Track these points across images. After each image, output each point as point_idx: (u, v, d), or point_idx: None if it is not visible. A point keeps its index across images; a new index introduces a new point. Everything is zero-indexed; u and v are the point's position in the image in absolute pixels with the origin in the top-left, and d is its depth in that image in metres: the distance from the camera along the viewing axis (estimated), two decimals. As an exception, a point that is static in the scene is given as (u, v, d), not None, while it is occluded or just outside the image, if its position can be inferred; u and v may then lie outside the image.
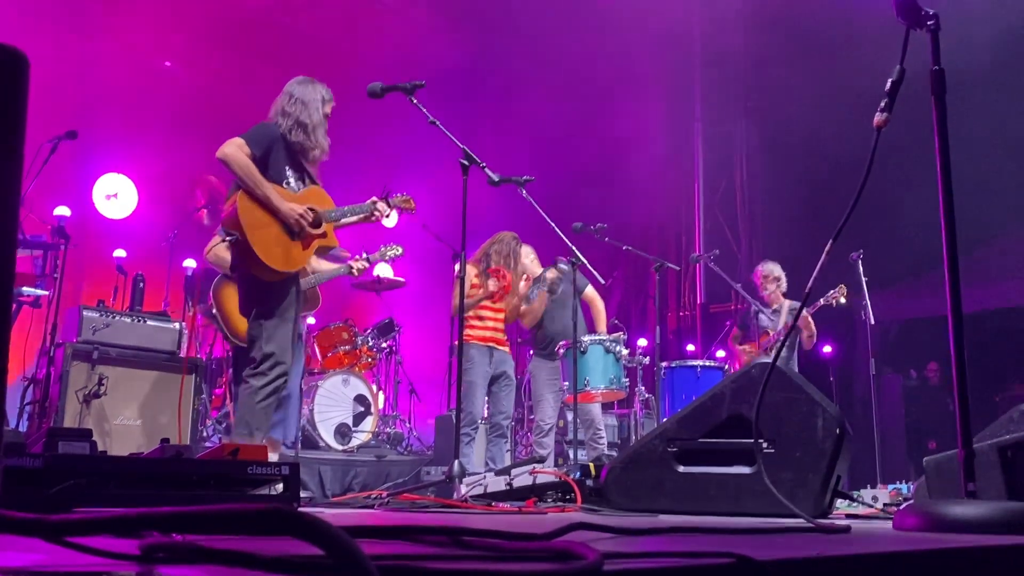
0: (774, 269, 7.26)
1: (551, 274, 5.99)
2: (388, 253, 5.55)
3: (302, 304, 4.40)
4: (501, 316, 6.12)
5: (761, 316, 7.20)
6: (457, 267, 5.35)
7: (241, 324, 5.18)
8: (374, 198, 4.55)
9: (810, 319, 6.81)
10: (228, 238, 3.93)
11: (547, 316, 6.42)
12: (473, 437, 5.93)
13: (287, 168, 4.10)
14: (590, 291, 6.57)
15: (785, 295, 7.22)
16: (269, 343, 3.93)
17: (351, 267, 5.35)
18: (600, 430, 6.34)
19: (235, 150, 3.87)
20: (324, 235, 4.14)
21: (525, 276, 6.18)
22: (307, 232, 4.02)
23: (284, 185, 4.07)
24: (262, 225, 3.90)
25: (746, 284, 7.52)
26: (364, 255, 5.47)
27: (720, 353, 7.98)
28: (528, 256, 6.41)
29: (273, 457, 4.94)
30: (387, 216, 4.62)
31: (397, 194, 4.76)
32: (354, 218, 4.45)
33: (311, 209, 4.05)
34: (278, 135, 4.07)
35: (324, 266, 5.34)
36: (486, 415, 6.37)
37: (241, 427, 3.92)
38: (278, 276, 3.96)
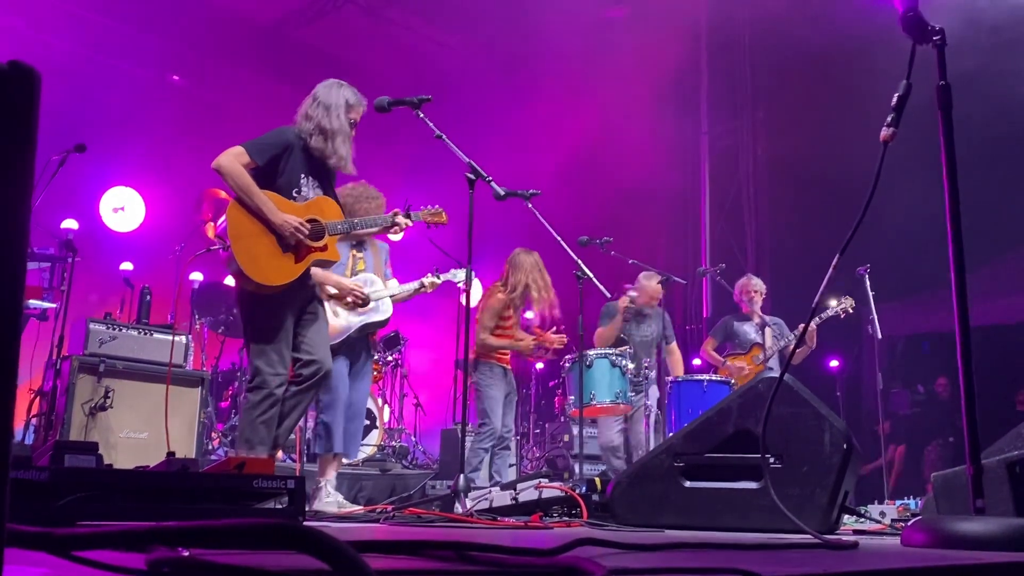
0: (759, 284, 7.31)
1: (623, 302, 6.54)
2: (459, 276, 5.47)
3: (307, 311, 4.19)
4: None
5: (743, 329, 7.21)
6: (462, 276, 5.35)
7: None
8: (396, 210, 4.49)
9: (814, 332, 6.82)
10: (216, 246, 3.89)
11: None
12: (488, 450, 5.87)
13: (303, 175, 3.98)
14: (673, 346, 7.05)
15: (762, 309, 7.26)
16: (259, 357, 3.86)
17: (423, 284, 5.30)
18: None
19: (230, 160, 3.77)
20: (324, 248, 3.95)
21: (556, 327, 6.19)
22: (304, 244, 3.89)
23: (295, 193, 3.95)
24: (250, 235, 3.77)
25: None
26: (436, 271, 5.41)
27: (696, 361, 8.08)
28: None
29: (332, 472, 4.90)
30: (402, 230, 4.55)
31: (424, 207, 4.64)
32: (368, 230, 4.39)
33: (312, 220, 3.91)
34: (293, 140, 3.97)
35: (395, 285, 5.27)
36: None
37: (243, 443, 3.86)
38: (263, 289, 3.82)
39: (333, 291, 4.84)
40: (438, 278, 5.32)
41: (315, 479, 4.71)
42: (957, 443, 8.77)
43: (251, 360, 3.93)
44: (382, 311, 5.03)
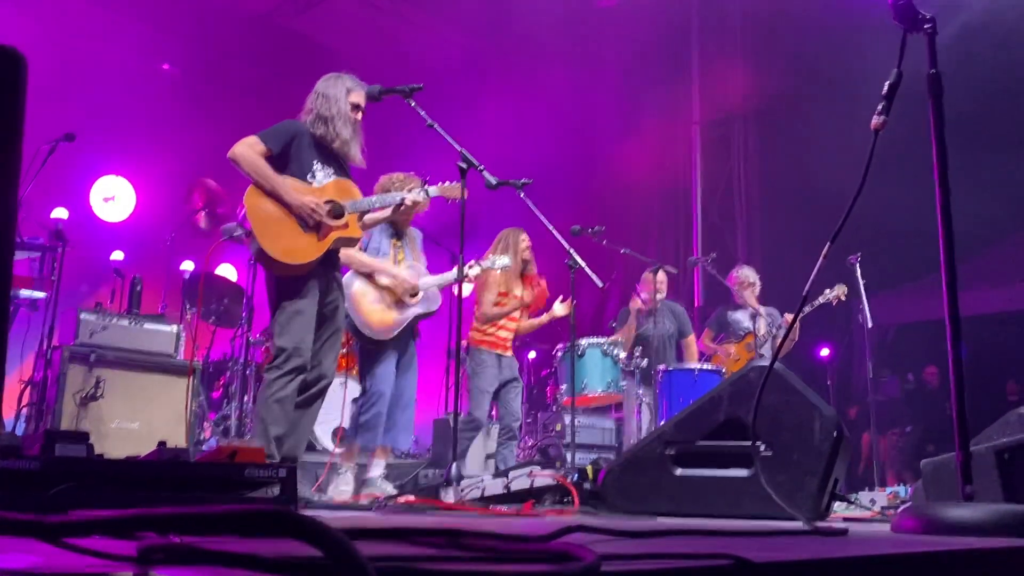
0: (750, 275, 7.34)
1: (635, 305, 6.82)
2: (498, 263, 5.45)
3: (339, 295, 4.22)
4: (514, 325, 6.01)
5: (736, 317, 7.24)
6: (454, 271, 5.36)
7: (372, 316, 4.89)
8: (415, 188, 4.59)
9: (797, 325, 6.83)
10: (238, 232, 3.95)
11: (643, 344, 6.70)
12: (471, 439, 5.87)
13: (314, 161, 4.09)
14: (690, 339, 7.20)
15: (758, 299, 7.28)
16: (282, 337, 3.91)
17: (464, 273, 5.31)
18: None
19: (245, 149, 3.89)
20: (345, 226, 4.06)
21: (563, 299, 6.06)
22: (324, 224, 3.97)
23: (309, 177, 4.05)
24: (271, 219, 3.88)
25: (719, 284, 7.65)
26: (476, 262, 5.42)
27: None
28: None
29: (381, 463, 4.93)
30: (418, 206, 4.59)
31: (441, 182, 4.69)
32: (382, 210, 4.46)
33: (329, 201, 4.01)
34: (303, 129, 4.10)
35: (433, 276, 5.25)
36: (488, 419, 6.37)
37: (257, 423, 3.93)
38: (288, 270, 3.92)
39: (386, 281, 4.88)
40: (479, 265, 5.37)
41: (338, 467, 4.80)
42: (915, 432, 8.86)
43: (274, 341, 3.98)
44: (433, 301, 5.06)
